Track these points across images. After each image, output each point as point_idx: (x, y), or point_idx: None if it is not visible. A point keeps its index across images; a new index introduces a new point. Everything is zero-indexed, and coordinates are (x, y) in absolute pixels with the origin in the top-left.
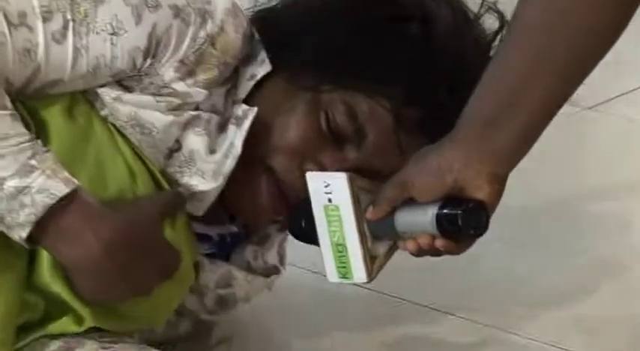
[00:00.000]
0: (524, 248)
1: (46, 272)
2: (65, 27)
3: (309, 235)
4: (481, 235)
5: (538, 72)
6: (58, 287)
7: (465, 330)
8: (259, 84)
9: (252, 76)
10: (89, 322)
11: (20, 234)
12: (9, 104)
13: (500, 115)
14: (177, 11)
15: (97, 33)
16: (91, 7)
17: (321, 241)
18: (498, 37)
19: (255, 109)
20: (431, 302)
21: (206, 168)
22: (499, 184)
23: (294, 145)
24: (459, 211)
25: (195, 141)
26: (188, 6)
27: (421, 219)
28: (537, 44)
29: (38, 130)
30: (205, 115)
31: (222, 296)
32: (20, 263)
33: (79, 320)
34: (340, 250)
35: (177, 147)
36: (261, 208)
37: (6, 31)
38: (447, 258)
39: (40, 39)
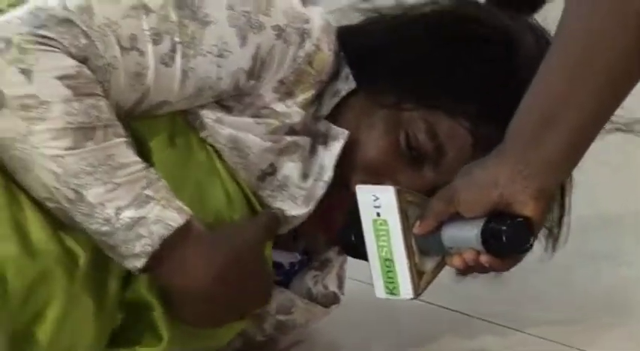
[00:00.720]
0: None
1: (142, 290)
2: (173, 50)
3: (358, 250)
4: (526, 251)
5: (577, 90)
6: (152, 306)
7: (531, 345)
8: (340, 100)
9: (336, 93)
10: (166, 343)
11: (135, 264)
12: (123, 131)
13: (543, 132)
14: (279, 32)
15: (204, 55)
16: (197, 29)
17: (369, 255)
18: None
19: (347, 132)
20: (484, 315)
21: (298, 193)
22: (545, 200)
23: (372, 164)
24: (503, 227)
25: (289, 167)
26: (289, 26)
27: (467, 234)
28: (575, 63)
29: (141, 154)
30: (301, 141)
31: (282, 322)
32: (116, 283)
33: (157, 339)
34: (388, 265)
35: (270, 171)
36: (335, 226)
37: (118, 55)
38: None
39: (151, 62)
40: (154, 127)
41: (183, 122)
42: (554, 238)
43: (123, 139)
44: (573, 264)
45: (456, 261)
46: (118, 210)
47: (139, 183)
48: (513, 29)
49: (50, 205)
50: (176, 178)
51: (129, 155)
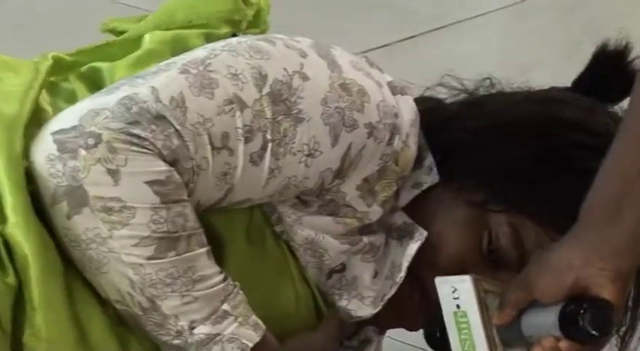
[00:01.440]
0: None
1: None
2: (264, 148)
3: (444, 345)
4: (607, 335)
5: None
6: None
7: None
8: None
9: (418, 185)
10: None
11: None
12: (205, 239)
13: (618, 209)
14: (371, 130)
15: (294, 154)
16: (290, 126)
17: (453, 349)
18: None
19: (425, 233)
20: None
21: (367, 294)
22: (623, 280)
23: (451, 263)
24: (581, 311)
25: (361, 267)
26: (380, 122)
27: (545, 321)
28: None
29: (217, 246)
30: (377, 241)
31: None
32: None
33: None
34: None
35: (339, 268)
36: (407, 324)
37: (209, 156)
38: None
39: (240, 162)
40: (231, 218)
41: (261, 215)
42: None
43: (205, 249)
44: None
45: (537, 349)
46: (192, 323)
47: (218, 297)
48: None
49: (119, 307)
50: (249, 274)
51: (210, 266)
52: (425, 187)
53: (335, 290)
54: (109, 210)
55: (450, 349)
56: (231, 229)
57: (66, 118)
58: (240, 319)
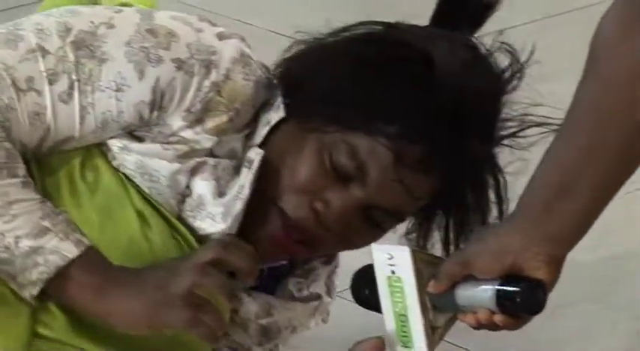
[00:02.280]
0: None
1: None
2: (71, 87)
3: (371, 303)
4: (537, 312)
5: (591, 163)
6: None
7: None
8: (275, 128)
9: (268, 122)
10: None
11: (31, 292)
12: (20, 172)
13: (554, 203)
14: (180, 64)
15: (102, 90)
16: (95, 66)
17: (384, 310)
18: (508, 74)
19: (262, 151)
20: None
21: (215, 211)
22: (557, 264)
23: (301, 184)
24: (517, 289)
25: (201, 186)
26: (192, 58)
27: (481, 295)
28: (590, 136)
29: (52, 189)
30: (211, 161)
31: (264, 326)
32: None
33: None
34: (402, 320)
35: (188, 193)
36: (273, 247)
37: (14, 97)
38: None
39: (48, 102)
40: (66, 159)
41: (98, 153)
42: None
43: (19, 180)
44: None
45: (470, 319)
46: (17, 239)
47: (36, 214)
48: (433, 45)
49: None
50: (85, 206)
51: (25, 192)
52: (273, 122)
53: (189, 213)
54: None
55: (376, 306)
56: (66, 168)
57: None
58: (60, 235)
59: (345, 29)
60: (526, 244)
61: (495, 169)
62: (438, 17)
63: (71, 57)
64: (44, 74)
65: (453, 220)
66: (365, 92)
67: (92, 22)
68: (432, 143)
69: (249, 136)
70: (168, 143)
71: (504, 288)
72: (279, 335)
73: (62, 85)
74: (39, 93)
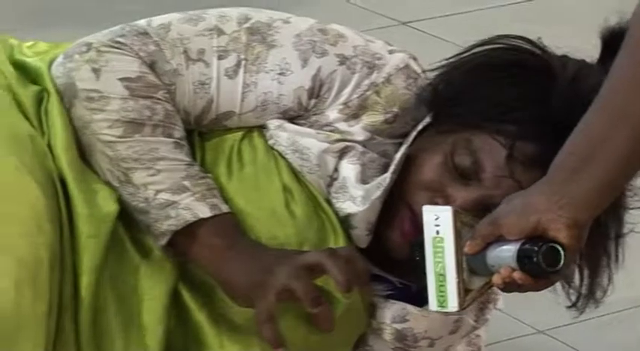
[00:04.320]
0: None
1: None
2: (238, 65)
3: (423, 267)
4: (557, 273)
5: (616, 131)
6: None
7: None
8: (421, 134)
9: (415, 128)
10: None
11: (161, 241)
12: (176, 134)
13: (580, 167)
14: (343, 59)
15: (266, 72)
16: (263, 50)
17: (427, 270)
18: None
19: (405, 146)
20: None
21: (356, 194)
22: (578, 229)
23: (424, 181)
24: (535, 248)
25: (347, 168)
26: (355, 57)
27: (505, 254)
28: (617, 104)
29: (211, 161)
30: (360, 148)
31: (399, 331)
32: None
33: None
34: (441, 280)
35: (336, 176)
36: (401, 243)
37: (184, 63)
38: None
39: (214, 73)
40: (227, 135)
41: (257, 132)
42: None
43: (171, 140)
44: None
45: (496, 278)
46: (157, 192)
47: (179, 174)
48: (554, 61)
49: (112, 185)
50: (234, 176)
51: (175, 153)
52: (420, 127)
53: (334, 194)
54: (90, 99)
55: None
56: (227, 142)
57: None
58: (197, 196)
59: (486, 42)
60: (550, 206)
61: None
62: (603, 58)
63: (244, 39)
64: (215, 49)
65: None
66: (488, 96)
67: (271, 17)
68: (544, 143)
69: (403, 144)
70: (322, 130)
71: (525, 247)
72: (415, 345)
73: (230, 61)
74: (207, 64)
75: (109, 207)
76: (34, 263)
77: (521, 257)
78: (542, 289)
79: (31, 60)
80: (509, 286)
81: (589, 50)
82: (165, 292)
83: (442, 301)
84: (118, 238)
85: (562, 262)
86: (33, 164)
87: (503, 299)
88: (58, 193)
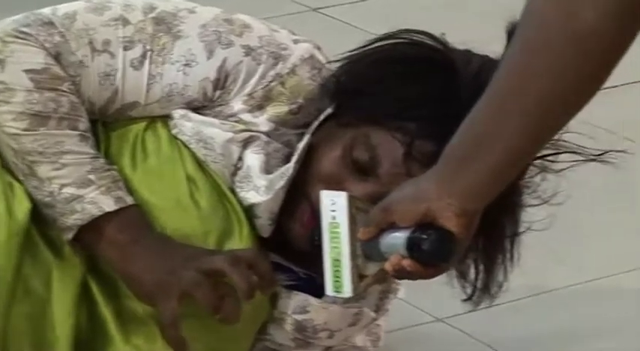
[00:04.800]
0: None
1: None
2: (144, 56)
3: (320, 251)
4: (445, 261)
5: (500, 124)
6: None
7: None
8: (323, 124)
9: (317, 118)
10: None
11: (67, 236)
12: (81, 126)
13: (468, 158)
14: (248, 50)
15: (172, 63)
16: (169, 41)
17: (324, 255)
18: None
19: (308, 136)
20: None
21: (260, 184)
22: (467, 218)
23: (323, 174)
24: (424, 236)
25: (251, 158)
26: (261, 48)
27: (396, 241)
28: (502, 98)
29: (115, 152)
30: (264, 138)
31: (299, 322)
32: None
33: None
34: (336, 265)
35: (240, 165)
36: (300, 235)
37: (89, 54)
38: None
39: (120, 65)
40: (131, 124)
41: (160, 122)
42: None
43: (77, 133)
44: None
45: (387, 265)
46: (62, 186)
47: (84, 167)
48: (457, 57)
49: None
50: (139, 167)
51: (80, 146)
52: (322, 117)
53: (238, 184)
54: None
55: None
56: (129, 134)
57: None
58: (102, 189)
59: (389, 36)
60: (440, 194)
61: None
62: None
63: (149, 30)
64: (120, 40)
65: None
66: (390, 91)
67: (176, 6)
68: (443, 141)
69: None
70: (226, 120)
71: (414, 235)
72: (315, 336)
73: (135, 52)
74: (112, 55)
75: (23, 206)
76: None
77: (410, 245)
78: (432, 277)
79: None
80: (399, 274)
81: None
82: (74, 286)
83: (338, 287)
84: (30, 233)
85: (451, 250)
86: None
87: (404, 288)
88: None
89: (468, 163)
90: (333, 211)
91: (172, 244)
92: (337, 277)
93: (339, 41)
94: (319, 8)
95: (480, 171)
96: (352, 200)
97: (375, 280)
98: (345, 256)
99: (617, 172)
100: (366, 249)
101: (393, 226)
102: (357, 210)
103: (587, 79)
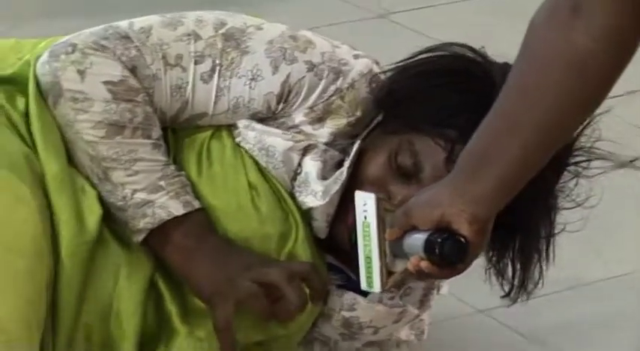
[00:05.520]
0: None
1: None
2: (213, 70)
3: (357, 249)
4: (459, 263)
5: (507, 137)
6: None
7: None
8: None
9: (368, 126)
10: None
11: (137, 238)
12: (154, 135)
13: (478, 167)
14: (311, 66)
15: (239, 77)
16: (237, 56)
17: (359, 252)
18: None
19: (358, 142)
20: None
21: (318, 189)
22: (479, 224)
23: (369, 178)
24: (439, 240)
25: (309, 165)
26: (323, 63)
27: (415, 243)
28: (509, 111)
29: (183, 157)
30: (322, 146)
31: (347, 319)
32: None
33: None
34: (368, 262)
35: (299, 171)
36: (341, 230)
37: (162, 69)
38: None
39: (190, 78)
40: (198, 132)
41: (226, 130)
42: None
43: (150, 141)
44: None
45: (409, 265)
46: (134, 190)
47: (155, 174)
48: (494, 69)
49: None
50: (204, 173)
51: (152, 153)
52: (372, 125)
53: (297, 189)
54: (75, 100)
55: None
56: (197, 141)
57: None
58: (171, 194)
59: (433, 49)
60: (453, 201)
61: (547, 187)
62: None
63: (219, 45)
64: (192, 55)
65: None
66: (432, 100)
67: (245, 23)
68: None
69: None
70: (288, 131)
71: (431, 238)
72: (360, 332)
73: (206, 66)
74: (184, 69)
75: (95, 214)
76: (38, 302)
77: (427, 247)
78: (449, 278)
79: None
80: (419, 274)
81: None
82: (143, 282)
83: (370, 282)
84: (101, 231)
85: (464, 254)
86: (31, 183)
87: (447, 285)
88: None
89: (477, 172)
90: (365, 211)
91: (232, 251)
92: (369, 273)
93: (405, 47)
94: (385, 14)
95: (489, 181)
96: (380, 202)
97: (403, 277)
98: (375, 254)
99: None
100: (392, 248)
101: (414, 228)
102: (386, 211)
103: (589, 95)
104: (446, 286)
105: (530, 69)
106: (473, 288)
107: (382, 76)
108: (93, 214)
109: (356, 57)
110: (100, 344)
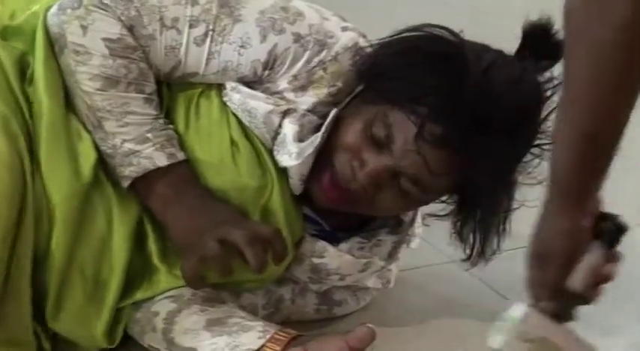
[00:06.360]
0: None
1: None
2: (206, 34)
3: None
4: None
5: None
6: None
7: None
8: (353, 100)
9: (350, 95)
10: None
11: (124, 184)
12: (147, 90)
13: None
14: (297, 38)
15: (230, 43)
16: (230, 23)
17: None
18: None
19: (335, 109)
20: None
21: (292, 150)
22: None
23: (345, 144)
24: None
25: (288, 127)
26: (309, 35)
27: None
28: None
29: (173, 109)
30: (301, 110)
31: (316, 265)
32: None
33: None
34: None
35: (280, 131)
36: (322, 195)
37: (158, 29)
38: None
39: (184, 40)
40: (190, 87)
41: (215, 89)
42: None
43: (142, 96)
44: None
45: None
46: (123, 141)
47: (144, 127)
48: (469, 53)
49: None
50: (191, 126)
51: (144, 107)
52: (353, 94)
53: (276, 148)
54: (77, 52)
55: None
56: (188, 93)
57: None
58: (157, 146)
59: (415, 28)
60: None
61: (509, 167)
62: (520, 50)
63: (214, 11)
64: (188, 18)
65: (466, 206)
66: (408, 78)
67: None
68: (451, 125)
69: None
70: (271, 96)
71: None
72: (327, 278)
73: (199, 31)
74: (179, 32)
75: (90, 159)
76: None
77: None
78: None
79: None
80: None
81: None
82: (133, 220)
83: None
84: (98, 175)
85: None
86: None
87: (417, 239)
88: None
89: (579, 195)
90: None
91: (208, 205)
92: None
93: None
94: None
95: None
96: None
97: None
98: None
99: None
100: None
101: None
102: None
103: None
104: (416, 240)
105: (593, 63)
106: (450, 240)
107: (368, 50)
108: (88, 159)
109: (344, 29)
110: (92, 281)
